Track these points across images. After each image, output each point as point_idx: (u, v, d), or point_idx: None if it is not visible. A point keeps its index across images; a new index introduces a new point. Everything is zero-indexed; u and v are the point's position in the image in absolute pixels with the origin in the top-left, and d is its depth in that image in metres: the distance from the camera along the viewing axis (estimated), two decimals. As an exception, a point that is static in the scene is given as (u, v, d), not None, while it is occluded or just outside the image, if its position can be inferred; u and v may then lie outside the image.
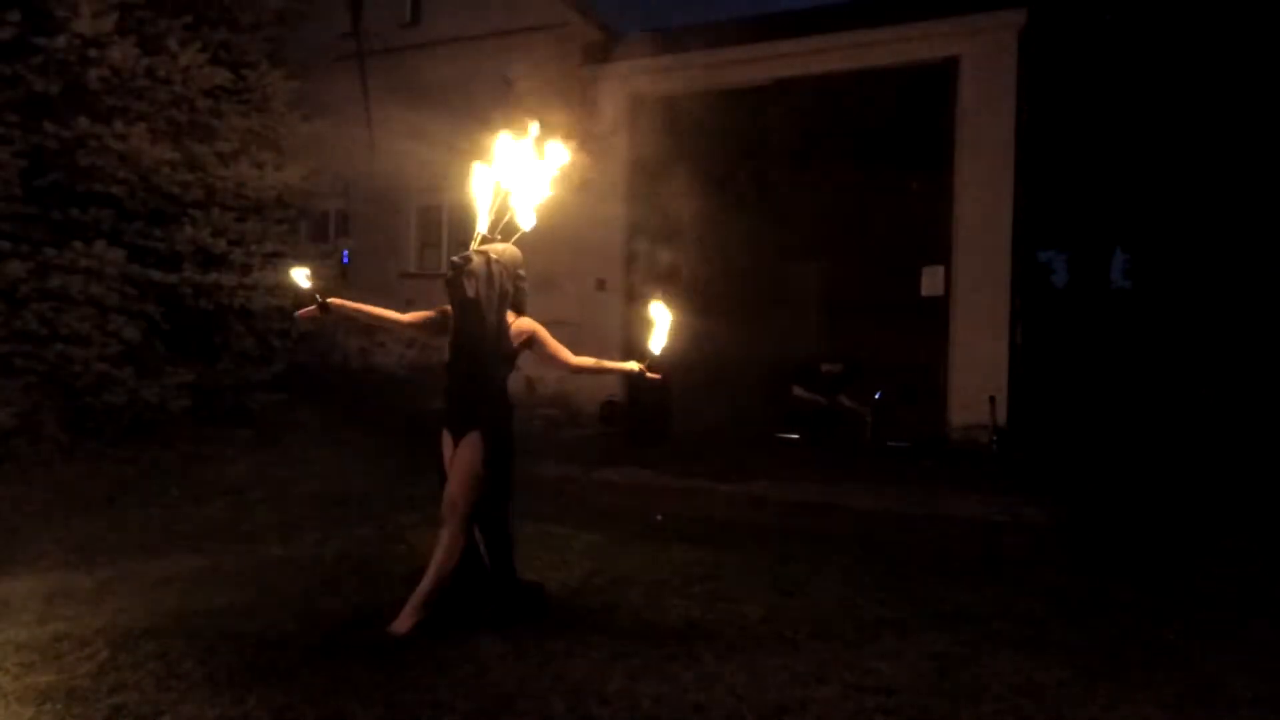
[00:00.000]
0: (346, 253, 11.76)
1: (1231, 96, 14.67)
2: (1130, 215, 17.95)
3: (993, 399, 7.98)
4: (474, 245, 3.29)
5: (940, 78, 8.68)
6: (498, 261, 3.29)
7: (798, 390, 8.37)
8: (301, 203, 8.35)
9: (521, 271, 3.40)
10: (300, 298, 3.42)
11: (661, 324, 3.46)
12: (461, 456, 3.24)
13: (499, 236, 3.36)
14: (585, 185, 9.76)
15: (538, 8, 10.52)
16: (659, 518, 5.15)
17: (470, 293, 3.24)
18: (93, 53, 6.09)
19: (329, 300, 3.33)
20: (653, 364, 3.42)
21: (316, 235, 11.30)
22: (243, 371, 7.43)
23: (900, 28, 8.75)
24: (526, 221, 3.34)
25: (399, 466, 6.49)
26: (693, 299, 9.21)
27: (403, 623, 3.21)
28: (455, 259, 3.25)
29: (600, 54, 10.29)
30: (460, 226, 11.39)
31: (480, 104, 10.74)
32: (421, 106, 11.08)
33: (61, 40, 5.96)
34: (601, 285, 10.16)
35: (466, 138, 11.38)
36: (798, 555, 4.41)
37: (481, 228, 3.31)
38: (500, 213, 3.33)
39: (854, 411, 8.03)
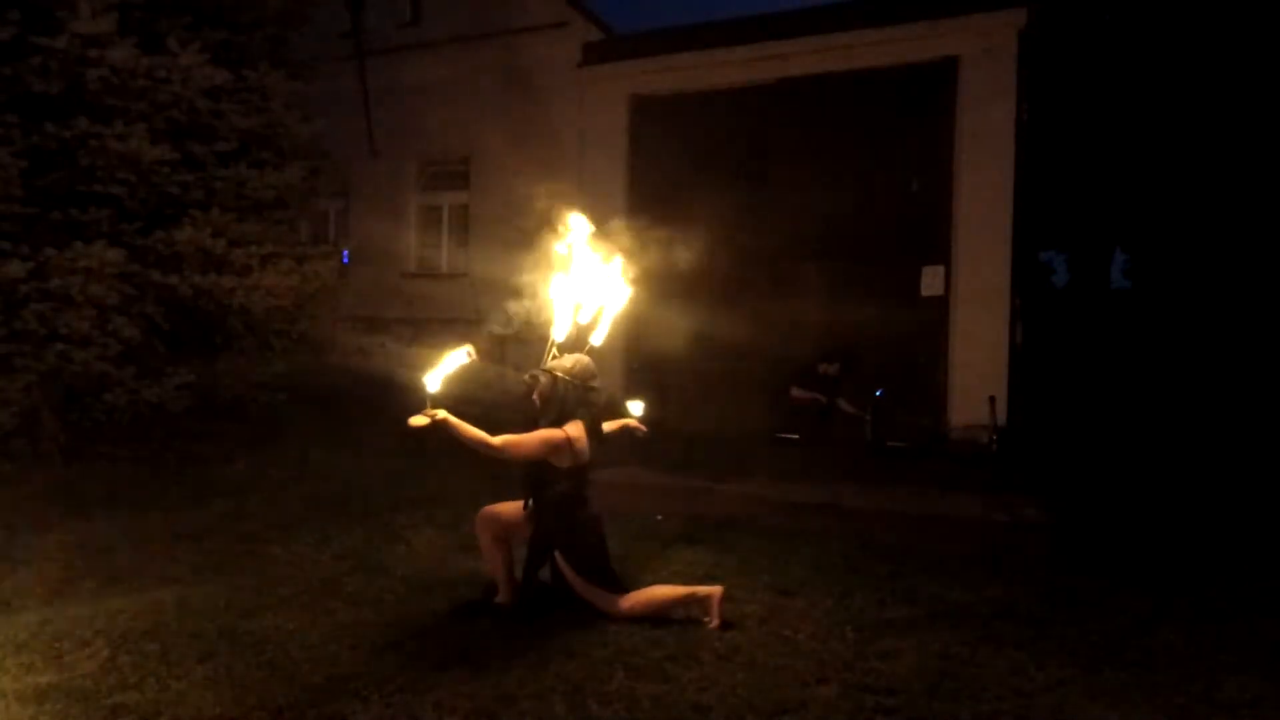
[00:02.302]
0: (346, 253, 11.78)
1: (1231, 96, 14.67)
2: (1130, 215, 17.98)
3: (993, 399, 7.98)
4: (547, 356, 3.47)
5: (940, 78, 8.67)
6: (565, 379, 3.42)
7: (795, 391, 8.37)
8: (301, 203, 8.35)
9: (594, 383, 3.48)
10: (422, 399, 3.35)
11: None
12: (562, 567, 3.42)
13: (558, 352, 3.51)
14: (586, 188, 9.78)
15: (538, 8, 10.53)
16: (659, 518, 5.14)
17: (536, 410, 3.42)
18: (93, 53, 6.09)
19: (439, 415, 3.15)
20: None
21: (317, 235, 11.29)
22: (243, 371, 7.43)
23: (900, 28, 8.75)
24: (598, 338, 3.55)
25: (398, 466, 6.49)
26: (692, 298, 9.22)
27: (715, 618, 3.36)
28: (526, 377, 3.43)
29: (600, 54, 10.29)
30: (459, 226, 11.41)
31: (480, 104, 10.77)
32: (421, 106, 11.10)
33: (61, 40, 5.96)
34: None
35: (467, 137, 11.42)
36: (798, 555, 4.40)
37: (558, 336, 3.50)
38: (577, 329, 3.53)
39: (853, 416, 8.02)
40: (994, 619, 3.50)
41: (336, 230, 12.09)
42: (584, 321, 3.60)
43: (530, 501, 3.48)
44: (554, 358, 3.51)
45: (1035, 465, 6.89)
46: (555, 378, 3.40)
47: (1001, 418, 8.01)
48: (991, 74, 8.44)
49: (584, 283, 3.57)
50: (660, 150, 9.93)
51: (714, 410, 9.07)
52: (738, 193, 9.49)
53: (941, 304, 8.67)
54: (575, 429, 3.38)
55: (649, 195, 9.86)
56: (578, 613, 3.39)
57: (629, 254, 3.70)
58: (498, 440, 3.24)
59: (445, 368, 3.20)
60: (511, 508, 3.56)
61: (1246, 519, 5.30)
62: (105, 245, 6.20)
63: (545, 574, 3.50)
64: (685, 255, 9.46)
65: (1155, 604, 3.71)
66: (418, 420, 3.11)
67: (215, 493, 5.55)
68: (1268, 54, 14.04)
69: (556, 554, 3.41)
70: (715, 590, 3.39)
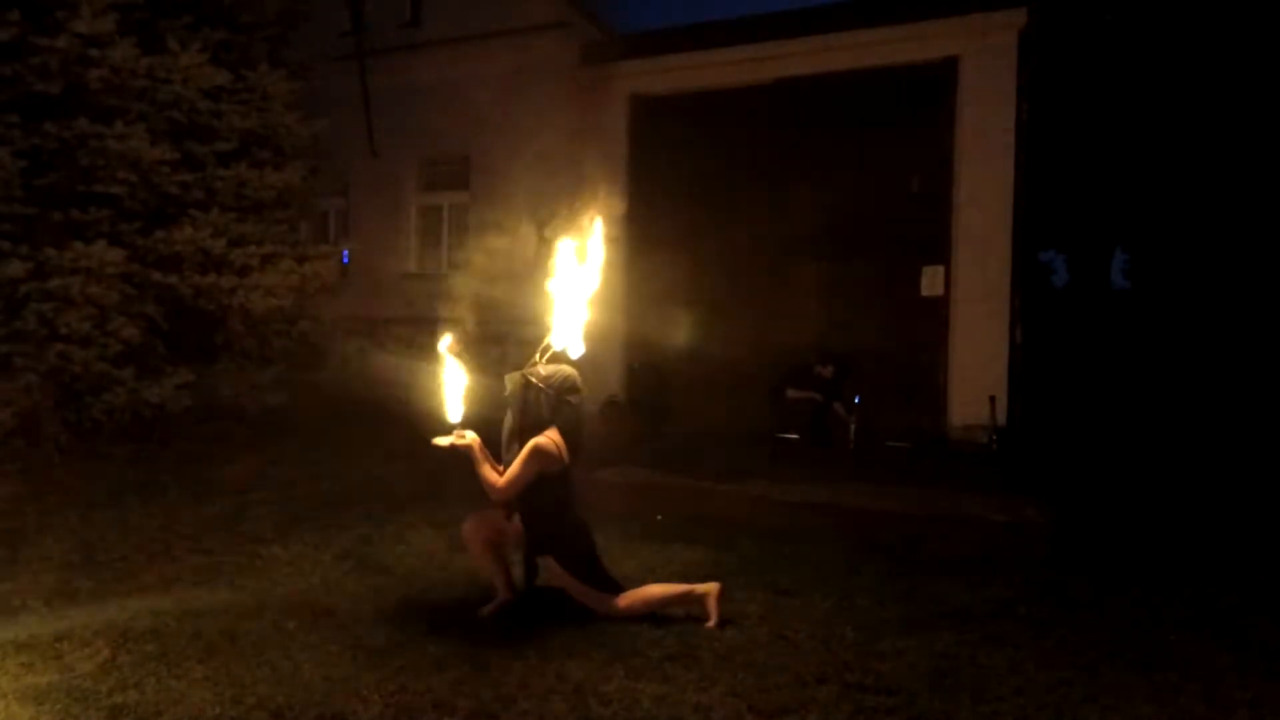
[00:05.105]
0: (346, 253, 11.78)
1: (1232, 96, 14.67)
2: (1130, 215, 17.98)
3: (993, 399, 7.98)
4: (535, 359, 3.41)
5: (940, 78, 8.67)
6: (538, 385, 3.34)
7: (791, 391, 8.37)
8: (301, 203, 8.35)
9: (572, 398, 3.38)
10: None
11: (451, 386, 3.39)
12: (557, 577, 3.40)
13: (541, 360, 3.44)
14: (586, 186, 9.77)
15: (538, 8, 10.52)
16: (659, 518, 5.14)
17: (509, 416, 3.37)
18: (93, 53, 6.09)
19: (468, 439, 3.36)
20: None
21: (317, 235, 11.29)
22: (243, 371, 7.43)
23: (900, 28, 8.74)
24: (572, 348, 3.43)
25: (399, 467, 6.49)
26: (693, 298, 9.22)
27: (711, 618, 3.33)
28: (506, 379, 3.39)
29: (600, 54, 10.29)
30: (459, 226, 11.40)
31: (480, 104, 10.76)
32: (421, 106, 11.10)
33: (61, 40, 5.96)
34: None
35: (467, 137, 11.41)
36: (798, 555, 4.40)
37: (556, 345, 3.41)
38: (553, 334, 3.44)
39: (842, 420, 8.02)
40: (994, 619, 3.50)
41: (336, 230, 12.09)
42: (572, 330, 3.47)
43: (517, 513, 3.44)
44: (536, 364, 3.42)
45: (1035, 465, 6.89)
46: (528, 382, 3.35)
47: (1001, 417, 8.00)
48: (991, 74, 8.44)
49: (574, 286, 3.47)
50: (660, 150, 9.93)
51: (714, 410, 9.08)
52: (737, 193, 9.49)
53: (941, 304, 8.67)
54: (554, 434, 3.34)
55: (649, 195, 9.86)
56: (578, 613, 3.38)
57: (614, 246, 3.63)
58: (501, 483, 3.29)
59: (454, 390, 3.33)
60: (497, 514, 3.53)
61: (1247, 519, 5.30)
62: (105, 245, 6.20)
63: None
64: (685, 255, 9.50)
65: (1155, 604, 3.71)
66: (441, 441, 3.31)
67: (215, 493, 5.55)
68: (1268, 54, 14.04)
69: (550, 559, 3.39)
70: (712, 587, 3.37)
